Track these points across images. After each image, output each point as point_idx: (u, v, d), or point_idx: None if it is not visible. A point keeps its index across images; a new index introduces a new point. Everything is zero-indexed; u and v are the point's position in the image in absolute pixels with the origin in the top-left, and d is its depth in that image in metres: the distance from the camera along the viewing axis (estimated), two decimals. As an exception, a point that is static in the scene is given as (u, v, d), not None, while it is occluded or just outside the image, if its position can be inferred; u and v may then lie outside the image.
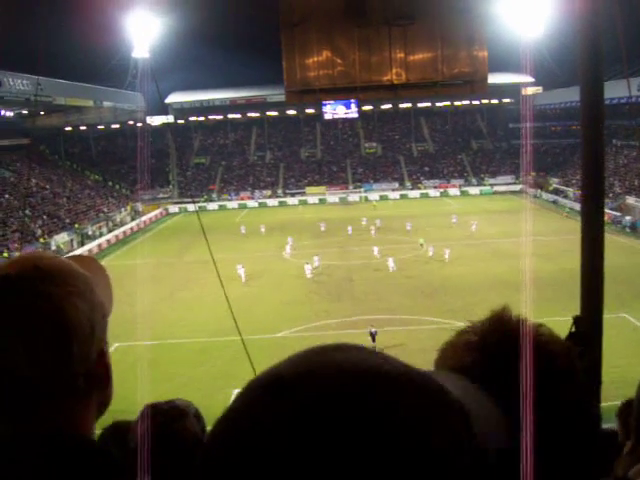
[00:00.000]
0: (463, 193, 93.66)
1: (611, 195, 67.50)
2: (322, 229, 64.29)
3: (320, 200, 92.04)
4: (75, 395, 1.18)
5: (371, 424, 0.57)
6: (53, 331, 1.13)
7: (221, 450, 0.60)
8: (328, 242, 57.23)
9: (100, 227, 70.56)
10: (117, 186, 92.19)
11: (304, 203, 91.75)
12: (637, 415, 2.06)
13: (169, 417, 2.24)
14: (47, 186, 77.16)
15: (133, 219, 79.68)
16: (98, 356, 1.24)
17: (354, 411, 0.58)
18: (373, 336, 31.29)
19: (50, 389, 1.14)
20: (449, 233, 59.41)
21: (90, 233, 66.90)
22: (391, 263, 46.31)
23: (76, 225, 66.45)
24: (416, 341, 30.36)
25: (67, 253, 57.57)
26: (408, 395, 0.60)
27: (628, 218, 60.94)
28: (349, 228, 61.95)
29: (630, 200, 65.88)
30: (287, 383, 0.61)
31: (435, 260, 48.16)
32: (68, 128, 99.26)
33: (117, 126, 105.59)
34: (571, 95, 76.55)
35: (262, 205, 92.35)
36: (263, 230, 63.51)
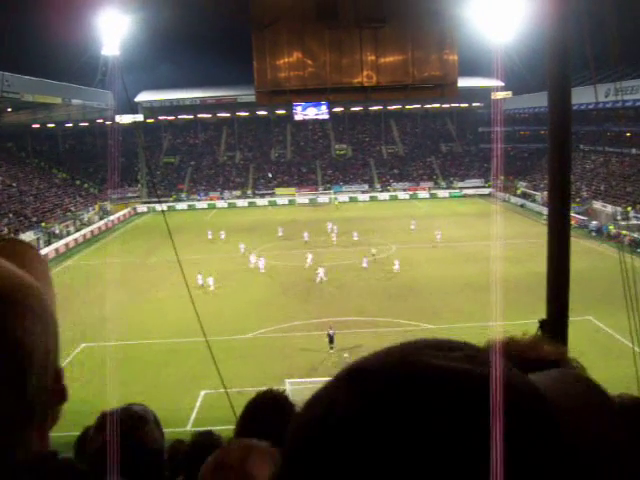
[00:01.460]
0: (432, 196, 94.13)
1: (578, 200, 68.28)
2: (280, 234, 62.30)
3: (290, 201, 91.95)
4: (32, 423, 1.03)
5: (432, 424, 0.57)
6: (6, 364, 0.97)
7: (301, 434, 0.61)
8: (293, 244, 57.11)
9: (67, 226, 69.76)
10: (85, 185, 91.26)
11: (274, 204, 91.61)
12: None
13: (130, 425, 2.19)
14: (14, 184, 76.15)
15: (101, 218, 78.95)
16: (55, 378, 1.10)
17: (423, 409, 0.58)
18: (331, 338, 31.29)
19: (4, 424, 0.98)
20: (413, 237, 59.51)
21: (57, 232, 66.14)
22: (364, 263, 46.48)
23: (43, 224, 65.67)
24: (378, 342, 30.34)
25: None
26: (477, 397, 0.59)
27: (594, 222, 61.68)
28: (305, 234, 59.88)
29: (596, 205, 66.70)
30: (368, 374, 0.62)
31: (394, 263, 48.22)
32: (36, 125, 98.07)
33: (86, 124, 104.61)
34: (540, 100, 77.22)
35: (231, 205, 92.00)
36: (223, 236, 61.57)
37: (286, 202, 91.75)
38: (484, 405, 0.58)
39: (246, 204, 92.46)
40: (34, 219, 66.47)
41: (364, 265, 47.06)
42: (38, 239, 61.60)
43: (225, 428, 3.46)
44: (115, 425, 2.00)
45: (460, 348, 0.66)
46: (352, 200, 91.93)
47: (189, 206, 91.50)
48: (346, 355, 29.93)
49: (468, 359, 0.64)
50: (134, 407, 2.40)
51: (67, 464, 1.10)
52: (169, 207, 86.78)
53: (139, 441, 2.18)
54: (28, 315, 1.02)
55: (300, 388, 23.77)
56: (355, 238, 58.17)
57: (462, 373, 0.61)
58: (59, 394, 1.10)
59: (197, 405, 25.40)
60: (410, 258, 49.57)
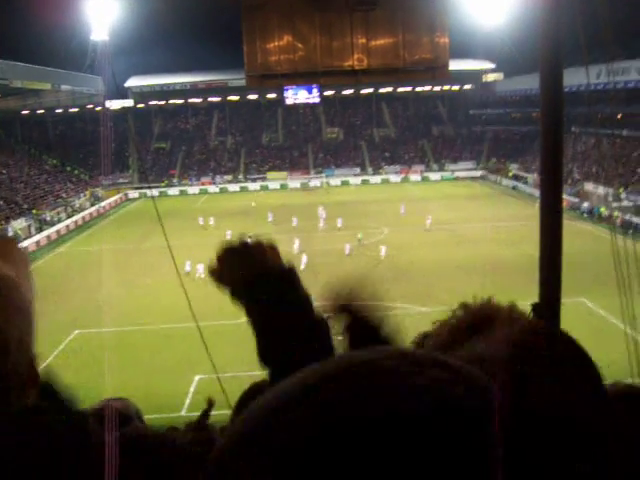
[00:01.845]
0: (424, 179, 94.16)
1: (570, 181, 68.41)
2: (270, 219, 61.79)
3: (281, 185, 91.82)
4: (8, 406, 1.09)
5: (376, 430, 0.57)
6: None
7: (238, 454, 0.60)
8: (285, 229, 57.04)
9: (59, 213, 69.52)
10: (76, 171, 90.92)
11: (265, 188, 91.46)
12: None
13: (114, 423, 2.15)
14: (4, 171, 75.87)
15: (92, 204, 78.71)
16: (29, 364, 1.16)
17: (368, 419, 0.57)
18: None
19: None
20: (404, 220, 59.41)
21: (48, 219, 65.92)
22: (347, 250, 46.42)
23: (34, 211, 65.44)
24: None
25: (25, 239, 56.82)
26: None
27: (586, 204, 61.82)
28: (294, 220, 59.74)
29: (588, 186, 66.81)
30: (311, 389, 0.62)
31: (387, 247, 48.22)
32: (25, 112, 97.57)
33: (76, 110, 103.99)
34: (531, 82, 77.19)
35: (223, 190, 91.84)
36: (213, 221, 61.00)
37: (278, 186, 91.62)
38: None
39: (238, 189, 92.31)
40: (25, 206, 66.23)
41: (346, 252, 46.62)
42: (29, 226, 61.43)
43: (219, 413, 3.46)
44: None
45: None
46: (344, 184, 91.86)
47: (181, 191, 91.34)
48: (340, 338, 29.97)
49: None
50: (113, 403, 2.36)
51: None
52: (161, 192, 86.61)
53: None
54: (8, 306, 1.09)
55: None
56: (339, 224, 57.20)
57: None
58: (32, 379, 1.16)
59: (191, 390, 25.43)
60: (401, 241, 49.59)
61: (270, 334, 1.53)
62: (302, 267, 43.27)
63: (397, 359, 0.64)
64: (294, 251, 46.74)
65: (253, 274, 1.51)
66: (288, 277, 1.57)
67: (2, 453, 0.99)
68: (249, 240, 1.55)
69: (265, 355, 1.52)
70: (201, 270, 41.19)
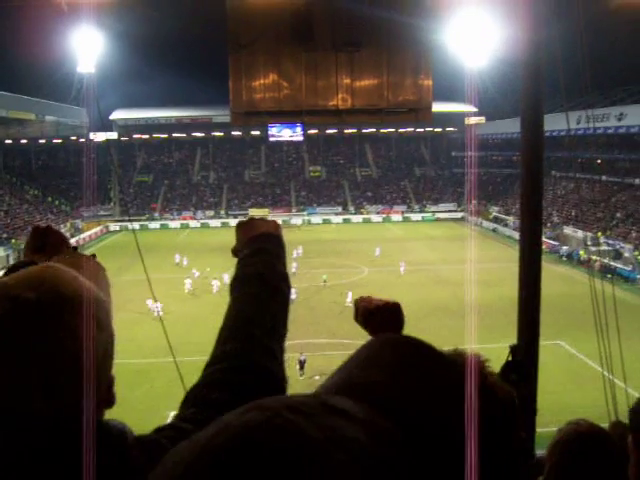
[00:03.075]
0: (405, 219, 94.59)
1: (549, 225, 68.97)
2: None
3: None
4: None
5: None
6: (74, 369, 1.04)
7: None
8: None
9: (38, 243, 68.89)
10: (57, 202, 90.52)
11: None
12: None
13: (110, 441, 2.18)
14: (-16, 200, 75.45)
15: (72, 236, 78.16)
16: (108, 383, 1.18)
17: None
18: (302, 364, 30.87)
19: (65, 426, 1.05)
20: (380, 261, 59.28)
21: (27, 249, 65.28)
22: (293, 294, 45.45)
23: (13, 240, 64.91)
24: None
25: (2, 269, 56.17)
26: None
27: (565, 248, 62.26)
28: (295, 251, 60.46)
29: (567, 230, 67.35)
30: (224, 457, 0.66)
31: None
32: (8, 141, 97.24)
33: (59, 141, 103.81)
34: (513, 126, 78.09)
35: (204, 225, 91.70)
36: (186, 262, 60.58)
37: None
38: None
39: (219, 224, 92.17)
40: (4, 235, 65.73)
41: (292, 297, 44.79)
42: (8, 256, 60.87)
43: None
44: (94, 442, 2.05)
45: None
46: (325, 222, 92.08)
47: (162, 225, 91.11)
48: (317, 377, 29.82)
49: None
50: (112, 422, 2.37)
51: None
52: (142, 226, 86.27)
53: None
54: (97, 326, 1.11)
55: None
56: (293, 269, 54.87)
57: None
58: (109, 398, 1.21)
59: (166, 426, 25.08)
60: (378, 281, 49.60)
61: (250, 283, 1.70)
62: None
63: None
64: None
65: (249, 236, 1.86)
66: (275, 239, 1.88)
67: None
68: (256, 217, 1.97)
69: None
70: (159, 308, 40.62)
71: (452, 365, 1.02)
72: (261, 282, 1.69)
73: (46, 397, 1.03)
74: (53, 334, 1.04)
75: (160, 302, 39.27)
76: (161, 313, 40.10)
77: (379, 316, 1.82)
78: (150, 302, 41.02)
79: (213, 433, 0.68)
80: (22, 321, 1.03)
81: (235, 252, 1.90)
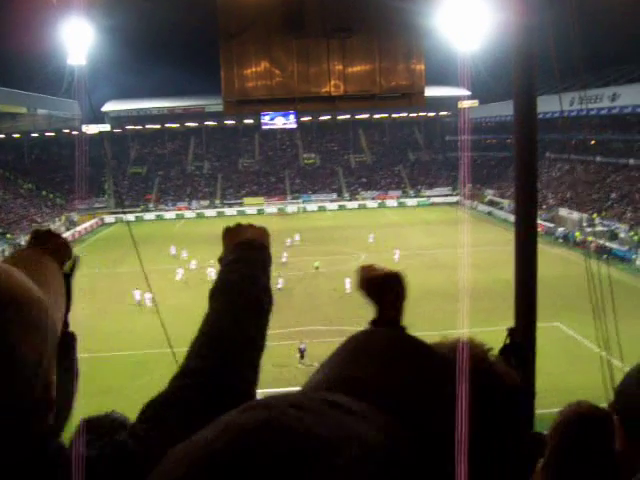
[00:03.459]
0: (401, 204, 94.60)
1: (545, 207, 69.03)
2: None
3: (258, 211, 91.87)
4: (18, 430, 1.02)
5: None
6: None
7: None
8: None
9: (33, 237, 68.81)
10: (51, 195, 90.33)
11: (242, 214, 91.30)
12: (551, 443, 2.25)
13: (111, 431, 2.19)
14: (-22, 195, 75.28)
15: (68, 229, 78.06)
16: (44, 389, 1.09)
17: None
18: (302, 352, 30.83)
19: None
20: (375, 247, 59.23)
21: (22, 243, 65.05)
22: (279, 284, 44.18)
23: (7, 235, 64.83)
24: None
25: (-2, 264, 56.10)
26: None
27: (561, 229, 62.37)
28: (288, 240, 60.72)
29: (563, 212, 67.43)
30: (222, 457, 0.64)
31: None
32: (1, 135, 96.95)
33: (52, 134, 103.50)
34: (506, 109, 77.96)
35: (200, 215, 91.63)
36: (186, 254, 60.48)
37: (255, 212, 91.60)
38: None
39: (214, 214, 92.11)
40: (-1, 230, 65.67)
41: (278, 286, 43.31)
42: (3, 250, 60.80)
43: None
44: (97, 430, 2.01)
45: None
46: (320, 209, 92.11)
47: (157, 216, 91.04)
48: (316, 364, 29.83)
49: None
50: (114, 414, 2.41)
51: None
52: (137, 217, 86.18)
53: None
54: (30, 325, 1.03)
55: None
56: (283, 260, 52.62)
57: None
58: (46, 404, 1.10)
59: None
60: (395, 265, 49.63)
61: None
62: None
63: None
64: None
65: (234, 243, 1.80)
66: (261, 247, 1.80)
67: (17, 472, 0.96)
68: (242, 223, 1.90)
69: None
70: (149, 299, 40.61)
71: (442, 358, 1.01)
72: (241, 293, 1.65)
73: None
74: None
75: (154, 293, 39.26)
76: (150, 304, 40.34)
77: (379, 285, 1.83)
78: (137, 293, 41.00)
79: (215, 434, 0.66)
80: None
81: (220, 260, 1.83)
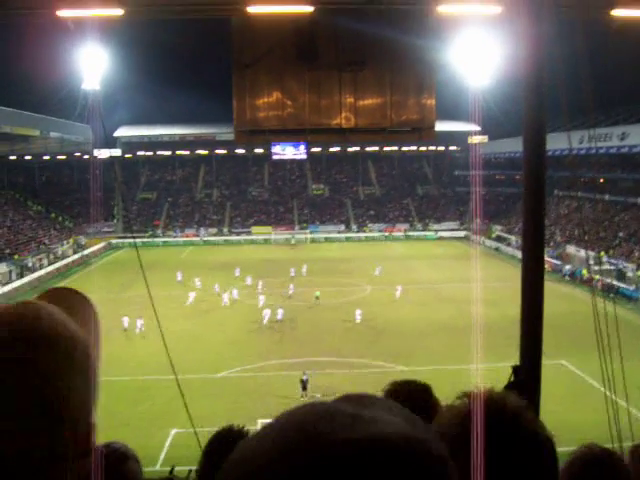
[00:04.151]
0: (408, 237, 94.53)
1: (552, 244, 68.90)
2: (236, 274, 59.85)
3: (265, 240, 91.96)
4: (57, 472, 0.98)
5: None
6: (44, 414, 0.95)
7: None
8: (271, 282, 56.80)
9: (41, 259, 69.07)
10: (60, 218, 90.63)
11: (250, 243, 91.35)
12: None
13: (114, 461, 2.21)
14: (-13, 216, 75.57)
15: (75, 252, 78.32)
16: (86, 431, 1.07)
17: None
18: (304, 384, 30.30)
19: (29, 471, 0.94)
20: (381, 279, 59.05)
21: (30, 265, 65.44)
22: (278, 315, 44.67)
23: (15, 256, 64.98)
24: (355, 385, 30.35)
25: (5, 285, 56.29)
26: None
27: (568, 267, 62.18)
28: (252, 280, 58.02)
29: (570, 249, 67.26)
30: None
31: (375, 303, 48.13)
32: (13, 157, 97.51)
33: (63, 157, 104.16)
34: (515, 145, 78.14)
35: (207, 243, 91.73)
36: (199, 283, 60.38)
37: (262, 241, 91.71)
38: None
39: (222, 242, 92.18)
40: (7, 251, 65.76)
41: (278, 317, 44.09)
42: (10, 271, 60.93)
43: (194, 468, 3.42)
44: (99, 460, 1.98)
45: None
46: (328, 240, 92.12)
47: (164, 242, 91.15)
48: (318, 395, 29.72)
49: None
50: (115, 444, 2.44)
51: None
52: (144, 243, 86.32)
53: (123, 477, 2.22)
54: (74, 369, 1.02)
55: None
56: (290, 292, 53.47)
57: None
58: (87, 448, 1.07)
59: (167, 444, 25.03)
60: (381, 299, 49.60)
61: None
62: (265, 321, 43.62)
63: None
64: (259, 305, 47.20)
65: None
66: None
67: None
68: None
69: None
70: (140, 325, 40.58)
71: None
72: None
73: (16, 444, 0.94)
74: (22, 375, 0.95)
75: (159, 318, 39.03)
76: (139, 331, 40.29)
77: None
78: (126, 320, 40.92)
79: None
80: None
81: None
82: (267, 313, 44.04)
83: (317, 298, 49.90)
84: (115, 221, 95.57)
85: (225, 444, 2.97)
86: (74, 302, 1.29)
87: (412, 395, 2.79)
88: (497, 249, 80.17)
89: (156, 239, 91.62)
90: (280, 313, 43.88)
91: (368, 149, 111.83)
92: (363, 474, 0.62)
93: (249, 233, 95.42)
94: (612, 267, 57.95)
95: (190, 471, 3.35)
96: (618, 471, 2.30)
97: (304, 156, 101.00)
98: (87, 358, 1.06)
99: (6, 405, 0.94)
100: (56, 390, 0.97)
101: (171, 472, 3.64)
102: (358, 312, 43.60)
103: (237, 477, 0.67)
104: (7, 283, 57.69)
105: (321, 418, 0.68)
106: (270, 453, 0.65)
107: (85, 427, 1.06)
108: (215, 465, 2.84)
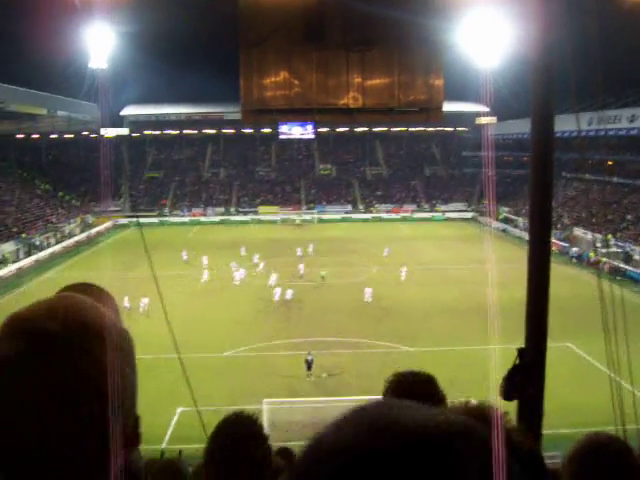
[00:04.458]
0: (415, 218, 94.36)
1: (560, 226, 68.75)
2: (243, 253, 60.14)
3: (272, 220, 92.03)
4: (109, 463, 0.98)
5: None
6: (102, 405, 0.95)
7: None
8: (278, 262, 56.86)
9: (48, 238, 69.31)
10: (67, 197, 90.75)
11: (257, 222, 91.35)
12: None
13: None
14: (-5, 194, 75.75)
15: (83, 231, 78.53)
16: (135, 423, 1.09)
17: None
18: (309, 364, 30.38)
19: (92, 468, 0.96)
20: (388, 260, 58.98)
21: (37, 243, 65.68)
22: (286, 295, 44.94)
23: (23, 235, 65.22)
24: (360, 365, 30.49)
25: (13, 263, 56.54)
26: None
27: (575, 249, 62.08)
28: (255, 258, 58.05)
29: (578, 232, 67.13)
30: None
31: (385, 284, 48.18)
32: (20, 136, 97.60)
33: (70, 136, 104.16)
34: (524, 126, 77.78)
35: (214, 222, 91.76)
36: (206, 261, 60.00)
37: (269, 220, 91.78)
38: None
39: (230, 221, 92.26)
40: (14, 229, 65.99)
41: (287, 297, 44.45)
42: (18, 250, 61.20)
43: (199, 446, 3.44)
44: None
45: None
46: (334, 220, 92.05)
47: (172, 222, 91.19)
48: (324, 375, 29.87)
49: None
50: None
51: None
52: (151, 222, 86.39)
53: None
54: (125, 360, 1.06)
55: (277, 408, 23.68)
56: (301, 271, 53.36)
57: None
58: (135, 438, 1.10)
59: (173, 422, 25.20)
60: (387, 280, 49.61)
61: None
62: (276, 299, 43.87)
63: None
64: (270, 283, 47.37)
65: None
66: None
67: None
68: None
69: None
70: (144, 304, 40.62)
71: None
72: None
73: (74, 435, 0.94)
74: (80, 367, 0.96)
75: (163, 298, 39.09)
76: (142, 310, 40.35)
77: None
78: (126, 299, 40.85)
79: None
80: (50, 355, 0.96)
81: None
82: (277, 292, 44.18)
83: (323, 278, 49.94)
84: (122, 200, 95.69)
85: (233, 428, 2.97)
86: (100, 295, 1.30)
87: (415, 387, 2.77)
88: (504, 230, 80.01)
89: (163, 218, 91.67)
90: (289, 293, 44.00)
91: (376, 129, 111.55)
92: (447, 455, 0.63)
93: (256, 212, 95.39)
94: (619, 250, 57.85)
95: (180, 452, 3.37)
96: (626, 458, 2.30)
97: (312, 136, 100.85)
98: (132, 349, 1.11)
99: (69, 396, 0.94)
100: (113, 380, 0.97)
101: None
102: (368, 291, 43.77)
103: (321, 458, 0.66)
104: (15, 261, 57.95)
105: (393, 407, 0.68)
106: (353, 436, 0.65)
107: (133, 419, 1.09)
108: (222, 449, 2.84)
